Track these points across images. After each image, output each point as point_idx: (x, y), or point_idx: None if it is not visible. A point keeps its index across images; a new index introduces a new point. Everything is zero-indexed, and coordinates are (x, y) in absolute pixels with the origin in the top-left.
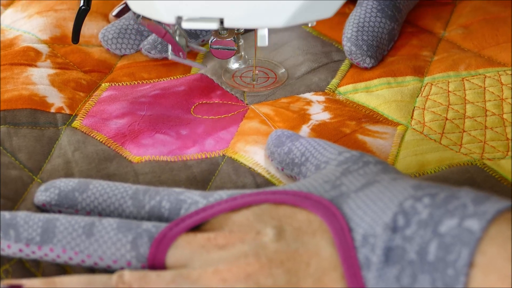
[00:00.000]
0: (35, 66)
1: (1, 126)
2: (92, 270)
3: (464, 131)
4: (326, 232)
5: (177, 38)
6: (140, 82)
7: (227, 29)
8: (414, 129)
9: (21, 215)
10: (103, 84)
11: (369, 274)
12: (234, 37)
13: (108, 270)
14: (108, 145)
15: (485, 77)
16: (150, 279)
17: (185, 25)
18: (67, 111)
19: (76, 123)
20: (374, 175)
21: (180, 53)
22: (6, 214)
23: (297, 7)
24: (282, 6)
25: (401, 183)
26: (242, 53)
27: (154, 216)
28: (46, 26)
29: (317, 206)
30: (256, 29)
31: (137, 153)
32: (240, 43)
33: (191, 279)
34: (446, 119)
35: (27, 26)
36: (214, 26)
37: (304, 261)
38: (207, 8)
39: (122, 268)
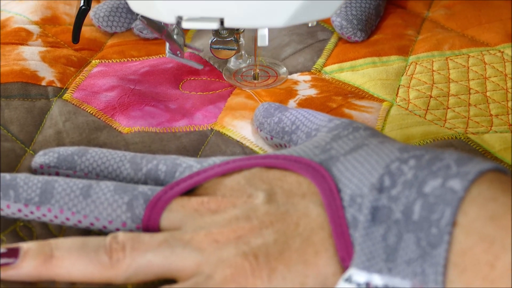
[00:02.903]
0: (27, 44)
1: None
2: (87, 233)
3: (448, 108)
4: (315, 194)
5: (175, 37)
6: (130, 60)
7: (227, 29)
8: (399, 105)
9: (21, 177)
10: (93, 61)
11: (356, 233)
12: (234, 37)
13: (103, 232)
14: (98, 116)
15: (468, 57)
16: (143, 239)
17: (185, 25)
18: (58, 85)
19: (67, 96)
20: (363, 139)
21: (178, 52)
22: (7, 175)
23: (297, 7)
24: (282, 6)
25: (388, 146)
26: (243, 52)
27: (151, 178)
28: (37, 8)
29: (306, 169)
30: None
31: (127, 124)
32: (240, 43)
33: (183, 240)
34: (431, 96)
35: (18, 9)
36: (214, 26)
37: (293, 221)
38: (207, 8)
39: (117, 229)
